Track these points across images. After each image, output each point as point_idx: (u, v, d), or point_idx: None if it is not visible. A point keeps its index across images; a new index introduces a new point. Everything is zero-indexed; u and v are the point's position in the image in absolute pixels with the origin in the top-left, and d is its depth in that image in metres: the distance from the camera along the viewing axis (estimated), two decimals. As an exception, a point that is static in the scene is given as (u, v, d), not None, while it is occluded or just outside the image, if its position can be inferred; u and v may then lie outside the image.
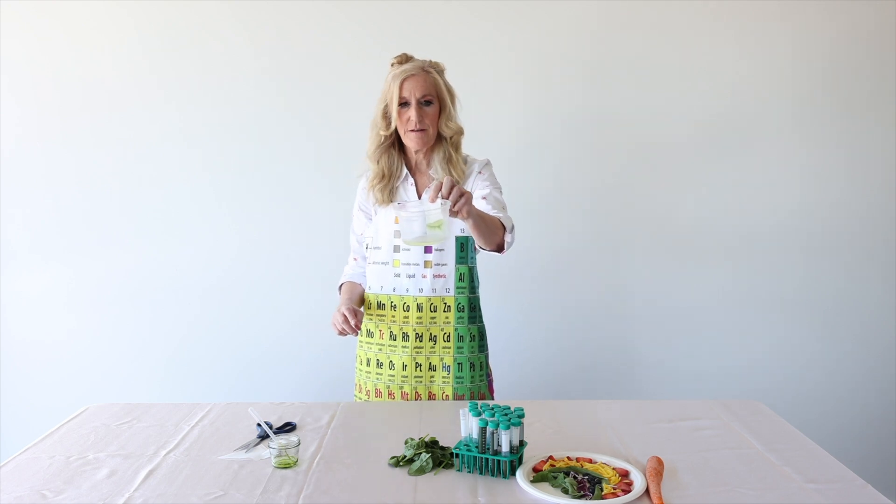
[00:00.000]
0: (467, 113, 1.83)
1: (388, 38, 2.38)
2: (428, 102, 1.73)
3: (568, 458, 1.33)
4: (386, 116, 1.75)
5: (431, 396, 1.79)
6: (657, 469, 1.27)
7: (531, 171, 2.54)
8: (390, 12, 2.46)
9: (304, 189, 2.55)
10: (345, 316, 1.69)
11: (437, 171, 1.78)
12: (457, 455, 1.30)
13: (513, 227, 1.68)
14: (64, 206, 2.56)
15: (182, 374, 2.63)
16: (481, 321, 1.83)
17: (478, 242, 1.64)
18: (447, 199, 1.43)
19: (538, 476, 1.26)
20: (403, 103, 1.72)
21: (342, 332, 1.72)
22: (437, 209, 1.42)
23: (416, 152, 1.79)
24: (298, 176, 2.55)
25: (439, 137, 1.78)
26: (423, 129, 1.72)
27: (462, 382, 1.78)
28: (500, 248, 1.68)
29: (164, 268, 2.59)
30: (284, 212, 2.57)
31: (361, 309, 1.81)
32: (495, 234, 1.62)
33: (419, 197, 1.79)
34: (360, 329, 1.72)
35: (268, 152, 2.54)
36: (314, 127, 2.52)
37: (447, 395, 1.78)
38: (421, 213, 1.44)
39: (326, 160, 2.52)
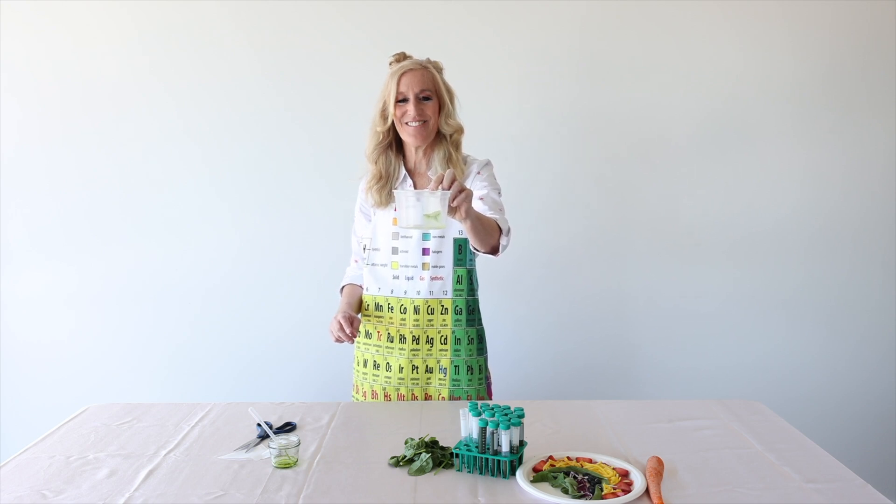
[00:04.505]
0: (465, 113, 1.82)
1: (387, 40, 2.37)
2: (426, 98, 1.71)
3: (568, 458, 1.33)
4: (384, 114, 1.73)
5: (428, 398, 1.78)
6: (657, 469, 1.27)
7: (530, 172, 2.53)
8: (389, 14, 2.46)
9: (305, 190, 2.55)
10: (341, 324, 1.68)
11: (435, 172, 1.75)
12: (457, 455, 1.30)
13: (509, 229, 1.66)
14: (64, 205, 2.56)
15: (182, 374, 2.63)
16: (480, 324, 1.82)
17: (472, 244, 1.61)
18: (447, 190, 1.41)
19: (538, 476, 1.26)
20: (402, 99, 1.71)
21: (338, 340, 1.70)
22: (435, 199, 1.41)
23: (417, 149, 1.77)
24: (298, 177, 2.55)
25: (439, 136, 1.76)
26: (423, 121, 1.70)
27: (459, 385, 1.77)
28: (494, 251, 1.65)
29: (164, 268, 2.59)
30: (285, 212, 2.57)
31: (359, 316, 1.80)
32: (491, 236, 1.60)
33: None
34: (356, 336, 1.72)
35: (268, 153, 2.54)
36: (315, 128, 2.52)
37: (443, 398, 1.77)
38: (419, 200, 1.42)
39: (326, 161, 2.52)
